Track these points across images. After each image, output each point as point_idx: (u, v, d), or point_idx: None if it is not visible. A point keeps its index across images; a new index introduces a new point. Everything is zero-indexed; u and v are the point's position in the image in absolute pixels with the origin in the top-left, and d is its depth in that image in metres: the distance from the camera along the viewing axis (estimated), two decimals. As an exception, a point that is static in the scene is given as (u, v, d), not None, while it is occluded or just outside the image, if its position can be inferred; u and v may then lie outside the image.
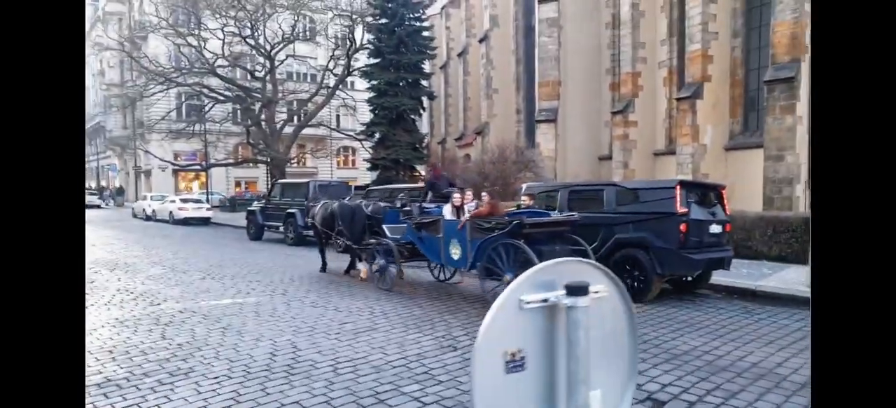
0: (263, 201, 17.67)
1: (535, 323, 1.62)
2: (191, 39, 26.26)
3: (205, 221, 24.07)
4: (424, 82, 25.99)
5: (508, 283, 6.69)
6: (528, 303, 1.59)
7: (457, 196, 8.36)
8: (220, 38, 24.92)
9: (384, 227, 9.15)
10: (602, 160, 22.82)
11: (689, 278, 8.44)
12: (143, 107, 37.66)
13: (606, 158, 22.03)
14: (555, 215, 8.08)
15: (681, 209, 7.32)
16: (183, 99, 33.40)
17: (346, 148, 45.86)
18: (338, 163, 46.78)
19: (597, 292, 1.72)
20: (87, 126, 58.48)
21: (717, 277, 8.93)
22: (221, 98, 28.15)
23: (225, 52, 25.51)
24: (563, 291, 1.61)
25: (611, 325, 1.79)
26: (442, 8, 34.13)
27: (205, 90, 27.88)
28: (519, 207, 8.66)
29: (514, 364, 1.59)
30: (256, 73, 27.16)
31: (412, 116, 25.57)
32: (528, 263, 6.20)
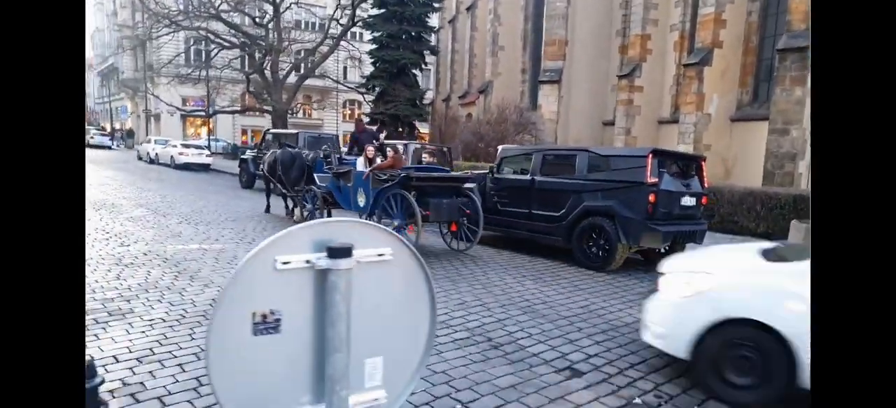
0: (256, 150, 17.58)
1: (297, 285, 1.48)
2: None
3: (205, 168, 24.14)
4: (428, 36, 25.42)
5: (396, 228, 7.64)
6: (287, 263, 1.45)
7: (369, 149, 9.06)
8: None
9: (315, 175, 9.85)
10: (606, 125, 22.31)
11: (662, 251, 8.23)
12: (153, 50, 37.48)
13: (611, 124, 21.53)
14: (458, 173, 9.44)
15: (650, 179, 7.06)
16: (190, 43, 33.12)
17: (351, 101, 45.40)
18: (343, 116, 46.45)
19: (382, 255, 1.57)
20: (102, 67, 58.74)
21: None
22: (226, 44, 27.82)
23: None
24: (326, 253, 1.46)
25: (402, 290, 1.64)
26: (455, -41, 33.09)
27: (210, 35, 27.55)
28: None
29: (265, 326, 1.45)
30: (259, 20, 26.69)
31: (414, 71, 25.14)
32: (413, 212, 7.59)
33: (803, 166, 13.78)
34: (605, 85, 22.35)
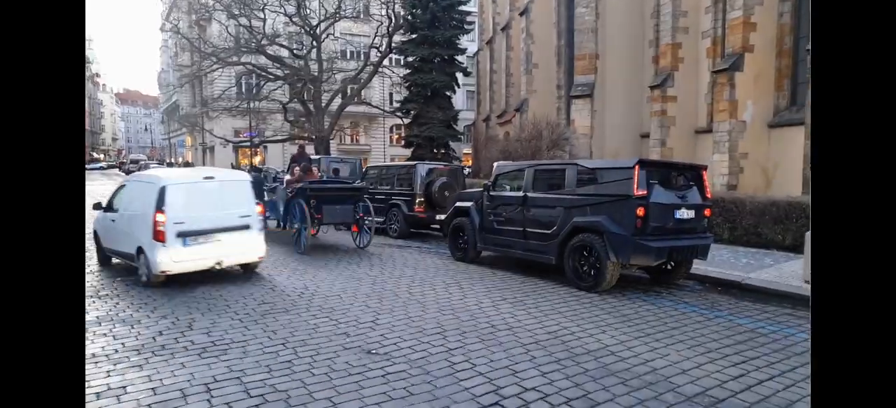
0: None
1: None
2: (242, 20, 27.12)
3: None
4: (460, 58, 25.49)
5: (297, 230, 9.80)
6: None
7: (296, 169, 11.34)
8: (260, 18, 25.52)
9: (265, 193, 11.77)
10: (644, 137, 21.46)
11: (668, 267, 7.72)
12: (207, 85, 39.45)
13: (648, 136, 20.70)
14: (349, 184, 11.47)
15: (638, 192, 6.63)
16: (240, 78, 34.61)
17: (398, 126, 46.12)
18: (390, 140, 47.17)
19: None
20: (166, 105, 62.53)
21: (705, 267, 8.15)
22: (271, 77, 28.89)
23: (267, 31, 26.07)
24: None
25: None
26: (489, -19, 33.19)
27: (256, 70, 28.71)
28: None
29: None
30: (297, 52, 27.58)
31: (447, 93, 25.22)
32: (307, 217, 9.60)
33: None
34: (641, 97, 21.54)
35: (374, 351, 4.80)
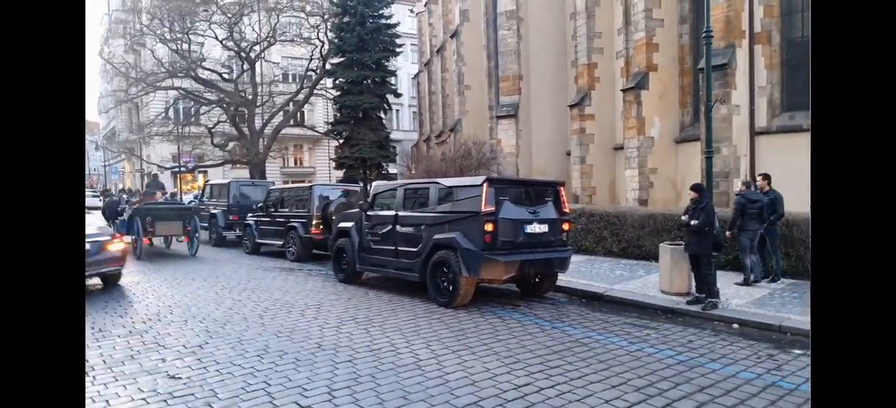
0: (198, 200, 17.63)
1: None
2: (171, 45, 26.68)
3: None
4: (391, 80, 25.65)
5: (133, 239, 12.77)
6: None
7: (142, 196, 14.10)
8: (186, 42, 25.19)
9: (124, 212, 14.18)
10: (569, 155, 21.97)
11: (535, 280, 7.85)
12: (143, 108, 38.43)
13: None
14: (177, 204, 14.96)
15: (486, 208, 6.72)
16: (171, 103, 33.95)
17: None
18: (335, 162, 46.85)
19: None
20: (104, 131, 60.58)
21: (577, 280, 8.32)
22: (204, 101, 28.39)
23: (196, 55, 25.71)
24: None
25: None
26: (425, 3, 33.72)
27: (189, 94, 28.18)
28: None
29: None
30: (227, 76, 27.27)
31: (378, 114, 25.28)
32: (140, 230, 12.54)
33: (739, 185, 13.22)
34: (567, 115, 22.11)
35: (177, 376, 4.66)
